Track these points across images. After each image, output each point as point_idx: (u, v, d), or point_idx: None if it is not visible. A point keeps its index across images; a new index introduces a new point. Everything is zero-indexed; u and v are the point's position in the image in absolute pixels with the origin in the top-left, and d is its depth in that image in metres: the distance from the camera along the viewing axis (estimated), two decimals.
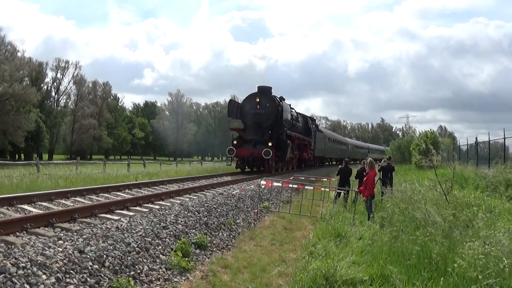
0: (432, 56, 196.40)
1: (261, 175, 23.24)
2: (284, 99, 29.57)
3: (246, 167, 27.92)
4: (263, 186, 15.78)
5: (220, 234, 9.88)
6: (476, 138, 28.53)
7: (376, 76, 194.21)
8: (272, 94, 28.05)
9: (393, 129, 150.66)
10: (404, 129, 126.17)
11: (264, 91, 27.63)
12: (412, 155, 35.65)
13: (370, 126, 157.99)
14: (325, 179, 20.97)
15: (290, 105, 31.43)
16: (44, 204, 9.63)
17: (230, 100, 33.61)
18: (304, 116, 37.79)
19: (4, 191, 12.12)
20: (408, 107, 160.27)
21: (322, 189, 15.07)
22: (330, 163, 57.01)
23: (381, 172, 15.21)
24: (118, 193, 12.38)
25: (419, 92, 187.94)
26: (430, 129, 39.05)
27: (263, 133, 26.50)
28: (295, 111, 33.91)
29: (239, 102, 29.99)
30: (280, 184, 15.29)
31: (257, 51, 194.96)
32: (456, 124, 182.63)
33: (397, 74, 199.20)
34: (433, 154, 10.70)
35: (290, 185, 15.45)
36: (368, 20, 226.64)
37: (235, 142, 26.34)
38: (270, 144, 25.22)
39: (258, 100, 26.72)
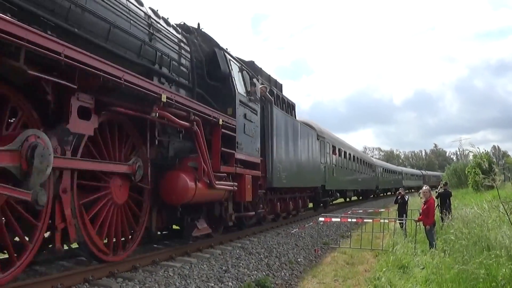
0: (474, 77, 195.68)
1: None
2: None
3: None
4: (321, 223, 15.77)
5: (282, 273, 9.93)
6: None
7: (422, 102, 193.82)
8: None
9: (447, 153, 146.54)
10: (458, 152, 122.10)
11: None
12: (468, 178, 34.56)
13: (423, 153, 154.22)
14: (383, 210, 20.69)
15: None
16: None
17: None
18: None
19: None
20: (458, 131, 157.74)
21: (381, 220, 14.92)
22: (349, 199, 35.34)
23: (438, 199, 15.03)
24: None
25: (466, 114, 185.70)
26: (485, 150, 37.67)
27: None
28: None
29: None
30: (338, 219, 15.29)
31: (302, 88, 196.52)
32: (508, 143, 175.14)
33: (443, 99, 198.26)
34: (496, 173, 10.47)
35: (349, 220, 15.44)
36: (406, 48, 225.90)
37: None
38: None
39: None
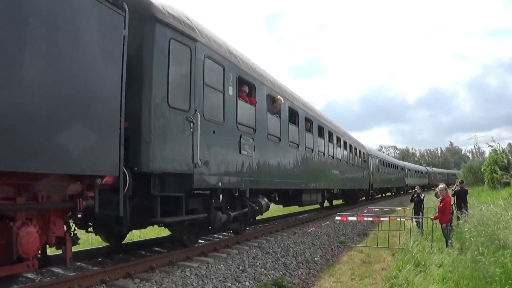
0: (487, 75, 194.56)
1: None
2: None
3: None
4: (338, 222, 15.80)
5: (299, 273, 9.99)
6: None
7: (436, 100, 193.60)
8: None
9: (463, 151, 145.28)
10: (474, 150, 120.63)
11: None
12: (484, 175, 34.19)
13: (439, 151, 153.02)
14: (400, 209, 20.63)
15: None
16: (120, 255, 9.60)
17: None
18: None
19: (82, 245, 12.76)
20: (472, 128, 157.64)
21: (398, 219, 14.92)
22: (331, 203, 26.33)
23: (455, 197, 14.98)
24: None
25: (480, 112, 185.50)
26: (501, 147, 36.68)
27: None
28: None
29: None
30: (355, 218, 15.32)
31: (316, 87, 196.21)
32: None
33: (456, 97, 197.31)
34: None
35: (365, 218, 15.46)
36: (419, 46, 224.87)
37: None
38: None
39: None
